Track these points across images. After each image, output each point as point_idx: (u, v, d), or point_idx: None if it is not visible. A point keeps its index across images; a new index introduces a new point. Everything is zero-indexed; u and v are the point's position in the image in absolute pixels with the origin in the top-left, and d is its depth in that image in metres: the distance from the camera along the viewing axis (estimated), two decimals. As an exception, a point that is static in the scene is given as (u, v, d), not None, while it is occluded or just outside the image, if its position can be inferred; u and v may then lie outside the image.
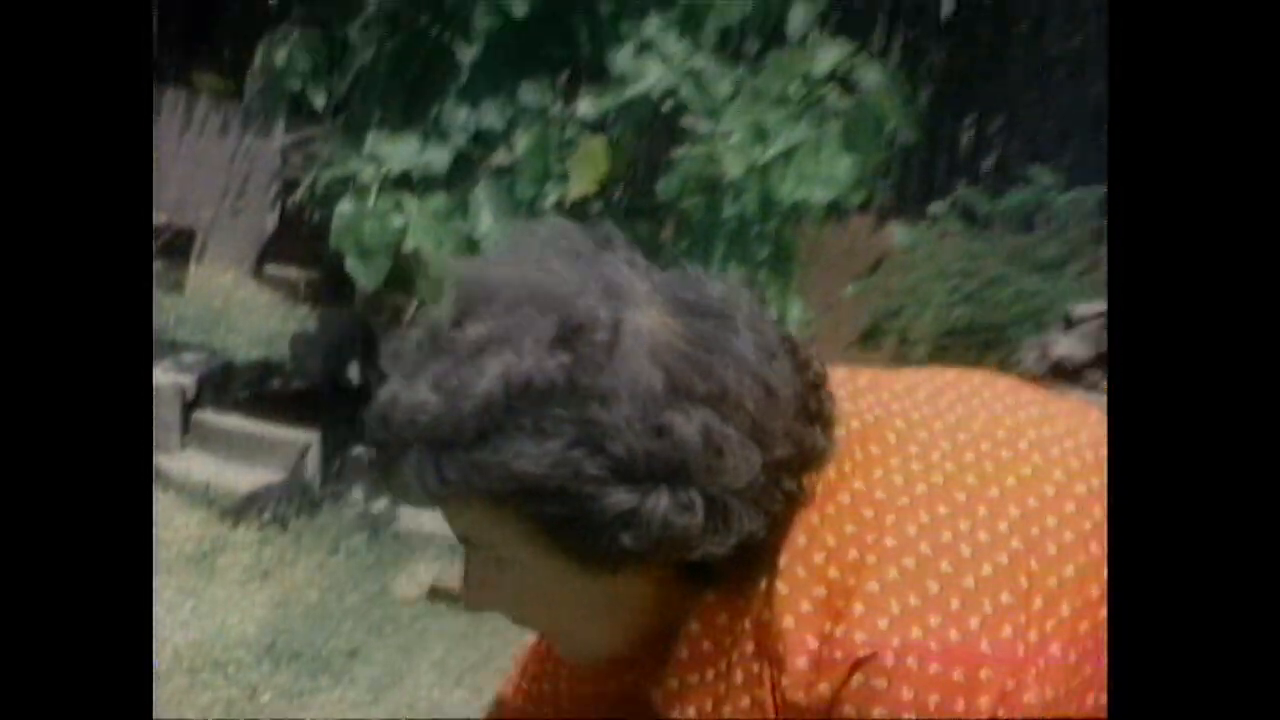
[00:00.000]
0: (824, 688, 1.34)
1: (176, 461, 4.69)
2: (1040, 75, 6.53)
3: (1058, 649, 1.37)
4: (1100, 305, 3.77)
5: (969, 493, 1.43)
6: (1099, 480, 1.45)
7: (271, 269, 6.60)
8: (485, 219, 4.05)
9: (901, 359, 5.24)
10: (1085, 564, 1.40)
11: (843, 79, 4.29)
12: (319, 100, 4.38)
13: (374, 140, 4.10)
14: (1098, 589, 1.39)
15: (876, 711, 1.31)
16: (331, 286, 4.76)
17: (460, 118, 4.16)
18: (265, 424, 4.61)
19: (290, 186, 5.78)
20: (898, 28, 6.65)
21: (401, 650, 3.56)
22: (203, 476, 4.61)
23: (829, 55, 4.27)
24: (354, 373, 4.88)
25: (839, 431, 1.39)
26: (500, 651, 3.57)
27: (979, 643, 1.34)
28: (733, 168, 4.14)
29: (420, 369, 1.36)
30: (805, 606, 1.38)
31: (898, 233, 5.70)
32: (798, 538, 1.39)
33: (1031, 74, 6.54)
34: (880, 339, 5.48)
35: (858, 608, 1.35)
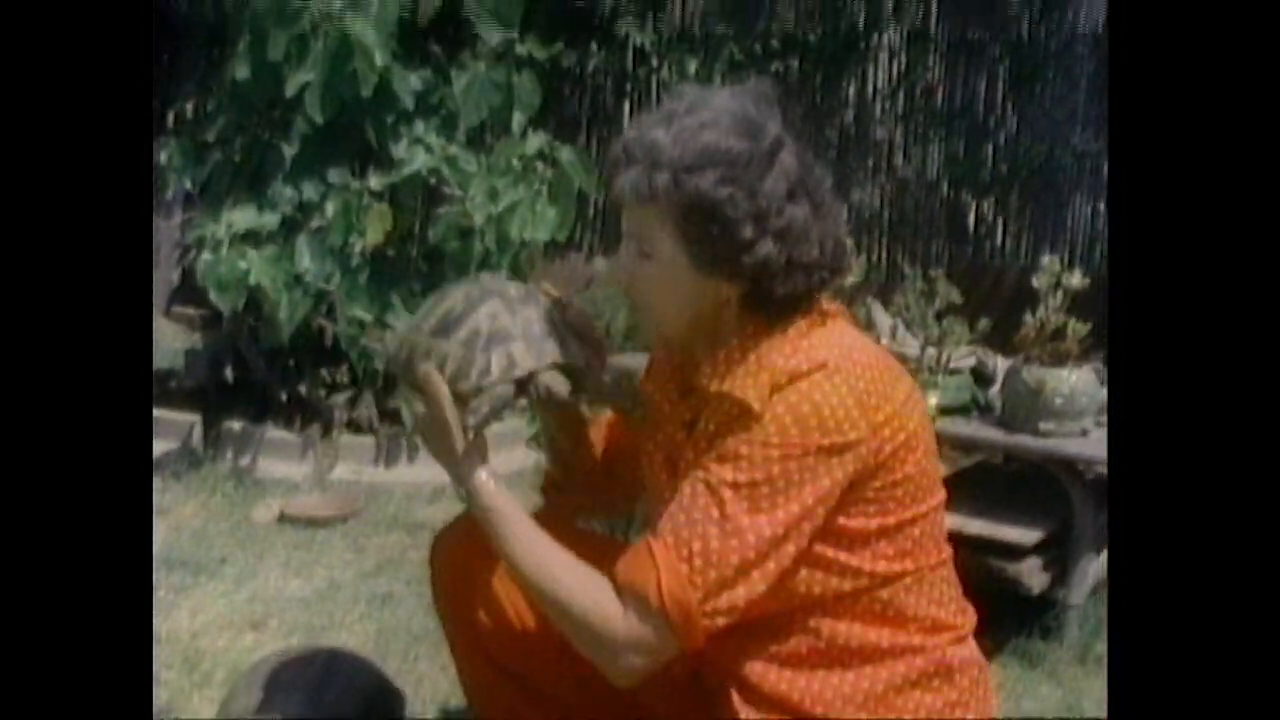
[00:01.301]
0: (802, 363, 1.52)
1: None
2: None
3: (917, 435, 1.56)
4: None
5: (880, 353, 1.62)
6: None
7: (176, 309, 6.44)
8: (305, 261, 4.02)
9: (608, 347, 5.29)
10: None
11: (547, 157, 4.35)
12: (189, 185, 4.34)
13: (226, 210, 4.05)
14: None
15: (827, 386, 1.49)
16: (213, 316, 4.62)
17: (286, 193, 4.12)
18: (167, 410, 4.46)
19: (187, 250, 5.64)
20: (594, 129, 6.74)
21: (257, 556, 3.49)
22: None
23: (537, 142, 4.32)
24: (227, 373, 4.78)
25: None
26: (328, 553, 3.57)
27: (879, 397, 1.52)
28: (477, 218, 4.17)
29: (658, 125, 1.53)
30: (800, 341, 1.55)
31: (599, 263, 5.78)
32: (796, 320, 1.57)
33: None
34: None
35: (828, 347, 1.54)
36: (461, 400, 1.65)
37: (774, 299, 1.55)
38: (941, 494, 1.64)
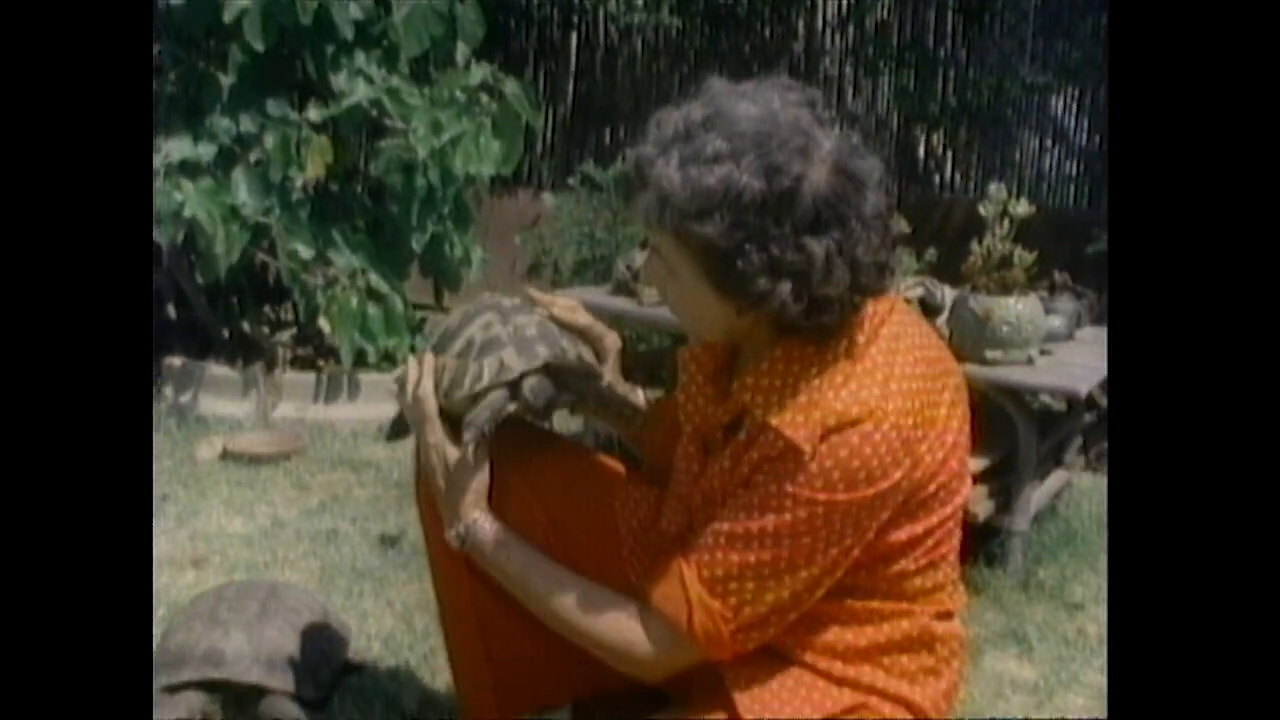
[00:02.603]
0: (852, 406, 1.44)
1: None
2: (636, 98, 6.63)
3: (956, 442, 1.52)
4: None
5: (928, 361, 1.53)
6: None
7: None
8: (242, 194, 3.94)
9: (555, 283, 5.26)
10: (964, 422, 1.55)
11: (491, 89, 4.27)
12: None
13: (162, 141, 3.94)
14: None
15: (877, 436, 1.43)
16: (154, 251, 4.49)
17: (224, 125, 4.03)
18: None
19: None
20: (541, 62, 6.64)
21: (199, 494, 3.45)
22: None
23: (480, 73, 4.24)
24: (170, 310, 4.69)
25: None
26: (271, 490, 3.53)
27: (924, 427, 1.47)
28: (420, 151, 4.10)
29: (673, 146, 1.42)
30: (851, 367, 1.48)
31: (547, 198, 5.70)
32: (842, 335, 1.49)
33: (631, 95, 6.63)
34: (540, 270, 5.47)
35: (881, 382, 1.46)
36: (457, 415, 1.66)
37: (802, 328, 1.48)
38: (967, 486, 1.61)
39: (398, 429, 1.83)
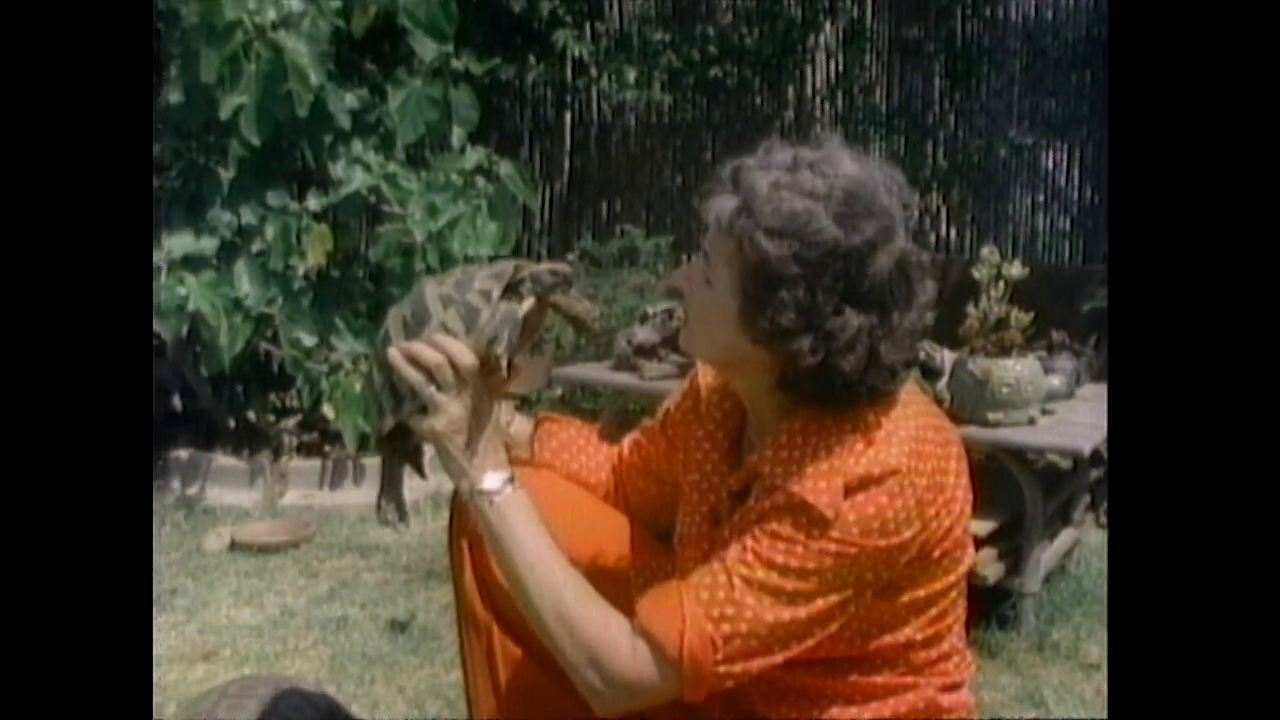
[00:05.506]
0: (874, 468, 1.44)
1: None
2: (631, 172, 6.68)
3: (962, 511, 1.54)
4: (662, 305, 3.84)
5: (935, 428, 1.53)
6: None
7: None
8: (245, 285, 3.97)
9: (558, 358, 5.25)
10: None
11: (486, 171, 4.31)
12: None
13: (164, 237, 3.97)
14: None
15: (895, 490, 1.44)
16: (158, 344, 4.51)
17: (225, 218, 4.06)
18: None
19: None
20: (536, 142, 6.70)
21: (208, 585, 3.43)
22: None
23: (475, 156, 4.29)
24: (175, 402, 4.69)
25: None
26: (280, 579, 3.51)
27: (934, 490, 1.47)
28: (418, 235, 4.13)
29: (772, 168, 1.46)
30: (870, 434, 1.48)
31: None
32: (859, 410, 1.49)
33: (626, 170, 6.68)
34: (541, 346, 5.48)
35: (899, 443, 1.47)
36: (484, 365, 1.55)
37: (802, 393, 1.49)
38: (970, 556, 1.60)
39: None
